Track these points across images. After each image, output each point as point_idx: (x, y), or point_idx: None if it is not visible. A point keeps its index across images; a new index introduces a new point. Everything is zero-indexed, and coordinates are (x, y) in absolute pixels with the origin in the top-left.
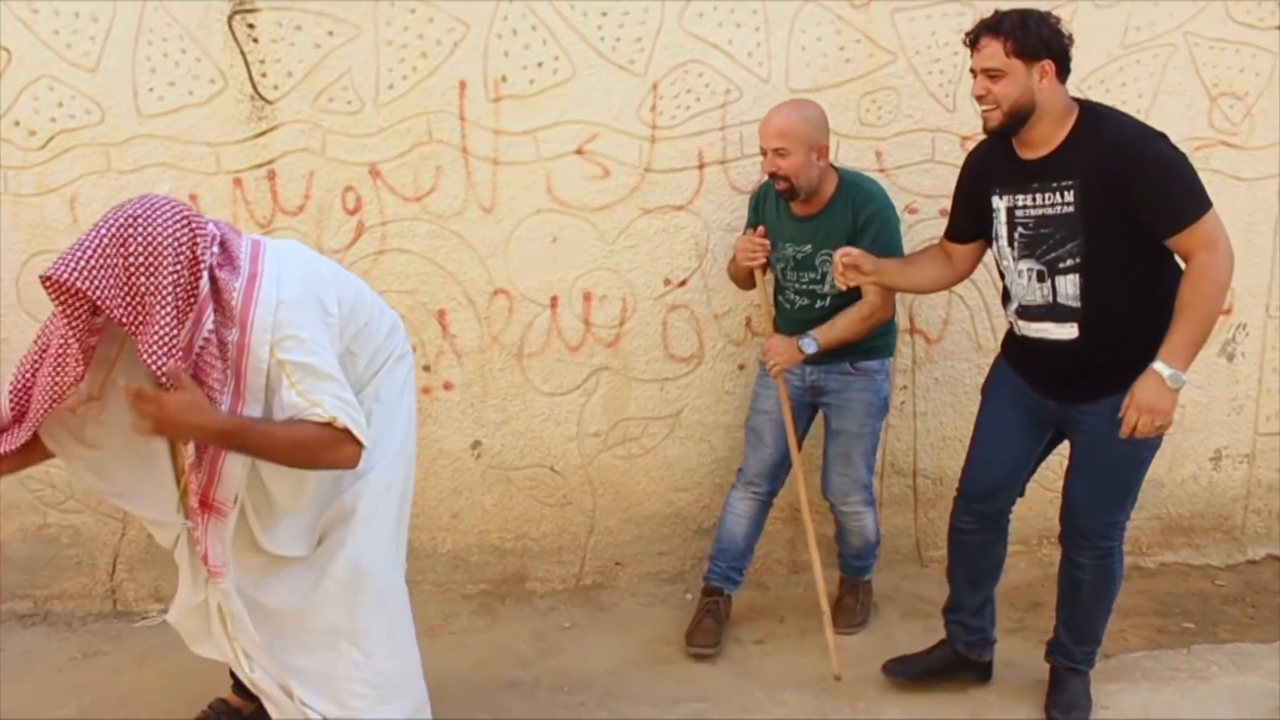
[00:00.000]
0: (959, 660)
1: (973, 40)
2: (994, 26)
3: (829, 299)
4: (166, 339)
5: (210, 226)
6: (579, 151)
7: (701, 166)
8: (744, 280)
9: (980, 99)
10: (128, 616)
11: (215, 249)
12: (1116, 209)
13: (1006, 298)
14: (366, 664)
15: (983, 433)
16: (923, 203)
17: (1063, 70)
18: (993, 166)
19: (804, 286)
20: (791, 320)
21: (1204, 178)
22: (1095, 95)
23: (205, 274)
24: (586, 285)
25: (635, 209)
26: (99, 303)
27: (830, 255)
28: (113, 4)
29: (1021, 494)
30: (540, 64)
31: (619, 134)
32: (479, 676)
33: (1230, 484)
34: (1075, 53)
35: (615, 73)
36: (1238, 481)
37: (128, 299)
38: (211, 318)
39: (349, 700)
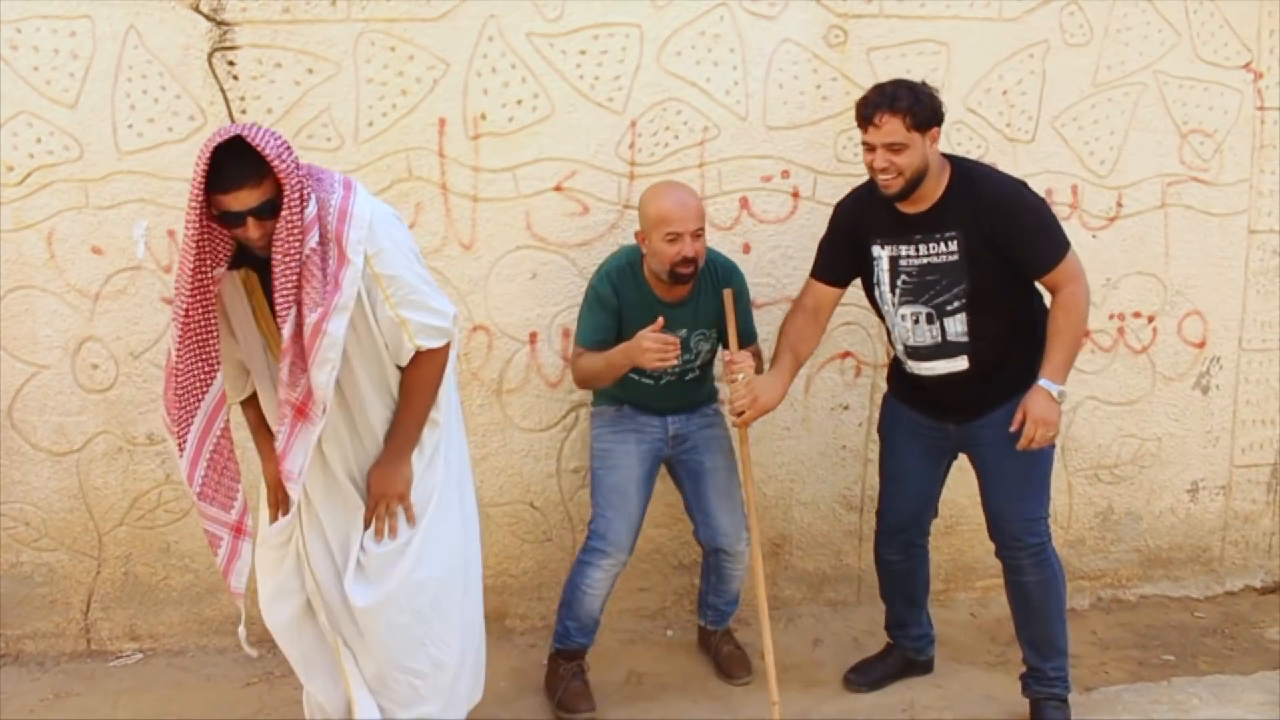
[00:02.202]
0: (910, 663)
1: (866, 117)
2: (891, 103)
3: (698, 370)
4: (295, 245)
5: None
6: (558, 188)
7: None
8: (609, 381)
9: (881, 171)
10: (102, 656)
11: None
12: (996, 254)
13: (893, 341)
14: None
15: (891, 470)
16: None
17: (939, 134)
18: (871, 217)
19: (677, 366)
20: (657, 394)
21: (1177, 213)
22: (1068, 133)
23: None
24: (566, 321)
25: (614, 246)
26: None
27: (705, 334)
28: (92, 41)
29: (935, 515)
30: (520, 101)
31: (598, 171)
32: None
33: (1207, 516)
34: (1048, 91)
35: (594, 110)
36: (1215, 513)
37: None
38: (316, 234)
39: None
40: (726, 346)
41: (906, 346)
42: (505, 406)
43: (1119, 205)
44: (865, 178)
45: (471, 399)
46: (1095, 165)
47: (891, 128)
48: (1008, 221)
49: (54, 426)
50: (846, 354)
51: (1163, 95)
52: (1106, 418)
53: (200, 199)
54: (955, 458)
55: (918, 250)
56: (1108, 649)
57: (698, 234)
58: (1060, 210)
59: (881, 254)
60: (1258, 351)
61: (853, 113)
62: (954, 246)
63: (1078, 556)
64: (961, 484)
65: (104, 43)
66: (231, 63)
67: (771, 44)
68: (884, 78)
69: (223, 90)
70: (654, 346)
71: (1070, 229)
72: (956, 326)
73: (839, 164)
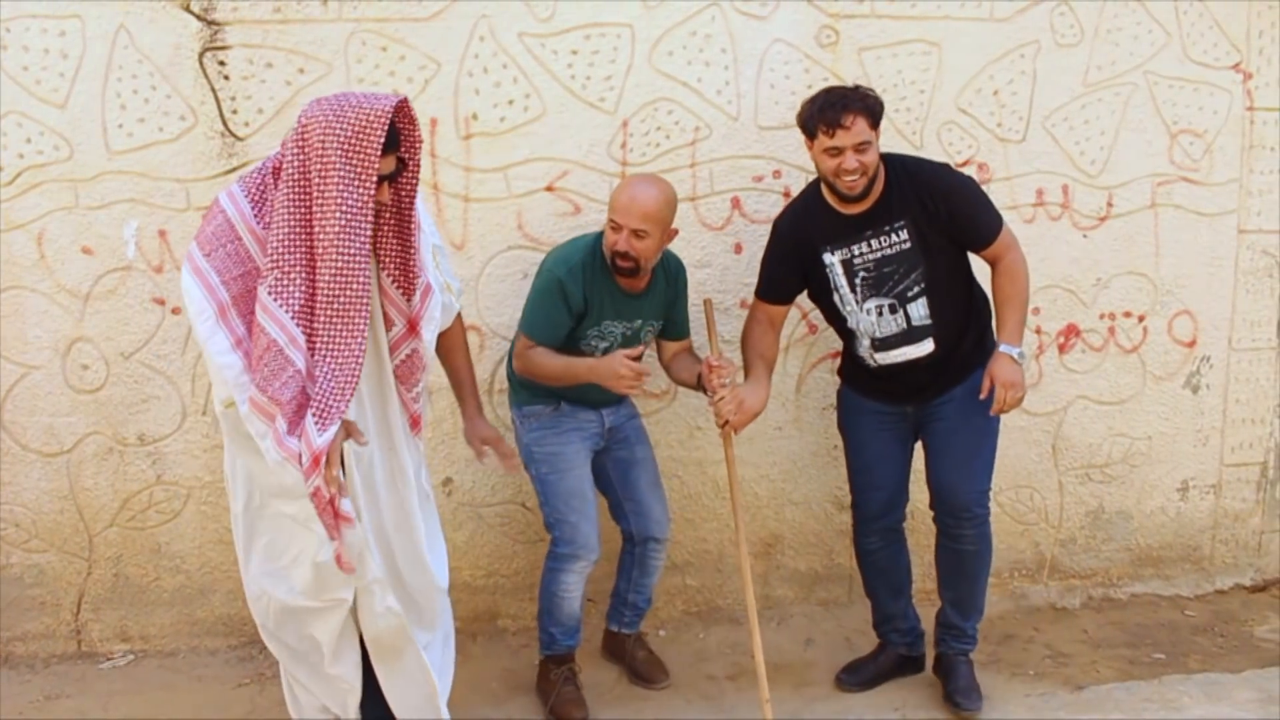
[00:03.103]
0: (903, 661)
1: (834, 120)
2: (855, 104)
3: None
4: (412, 209)
5: None
6: (550, 188)
7: None
8: (558, 385)
9: (850, 172)
10: (93, 658)
11: None
12: (943, 235)
13: (853, 337)
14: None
15: (861, 461)
16: None
17: None
18: (817, 226)
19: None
20: (596, 387)
21: (1167, 213)
22: (1059, 133)
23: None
24: None
25: None
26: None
27: (654, 325)
28: (82, 40)
29: (908, 500)
30: (511, 101)
31: (590, 171)
32: (451, 715)
33: (1198, 515)
34: (1039, 91)
35: (586, 110)
36: (1205, 512)
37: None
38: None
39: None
40: (685, 350)
41: (874, 339)
42: (497, 407)
43: (1109, 205)
44: None
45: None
46: (1086, 165)
47: (860, 127)
48: (949, 200)
49: (44, 427)
50: (837, 354)
51: (1153, 95)
52: (1097, 417)
53: (375, 160)
54: (915, 440)
55: (870, 246)
56: (1099, 647)
57: (639, 234)
58: (1051, 210)
59: (833, 259)
60: (1247, 351)
61: None
62: (905, 235)
63: (1069, 555)
64: None
65: (94, 42)
66: (222, 62)
67: (763, 44)
68: (875, 78)
69: (213, 90)
70: (629, 375)
71: (1061, 229)
72: (919, 311)
73: None
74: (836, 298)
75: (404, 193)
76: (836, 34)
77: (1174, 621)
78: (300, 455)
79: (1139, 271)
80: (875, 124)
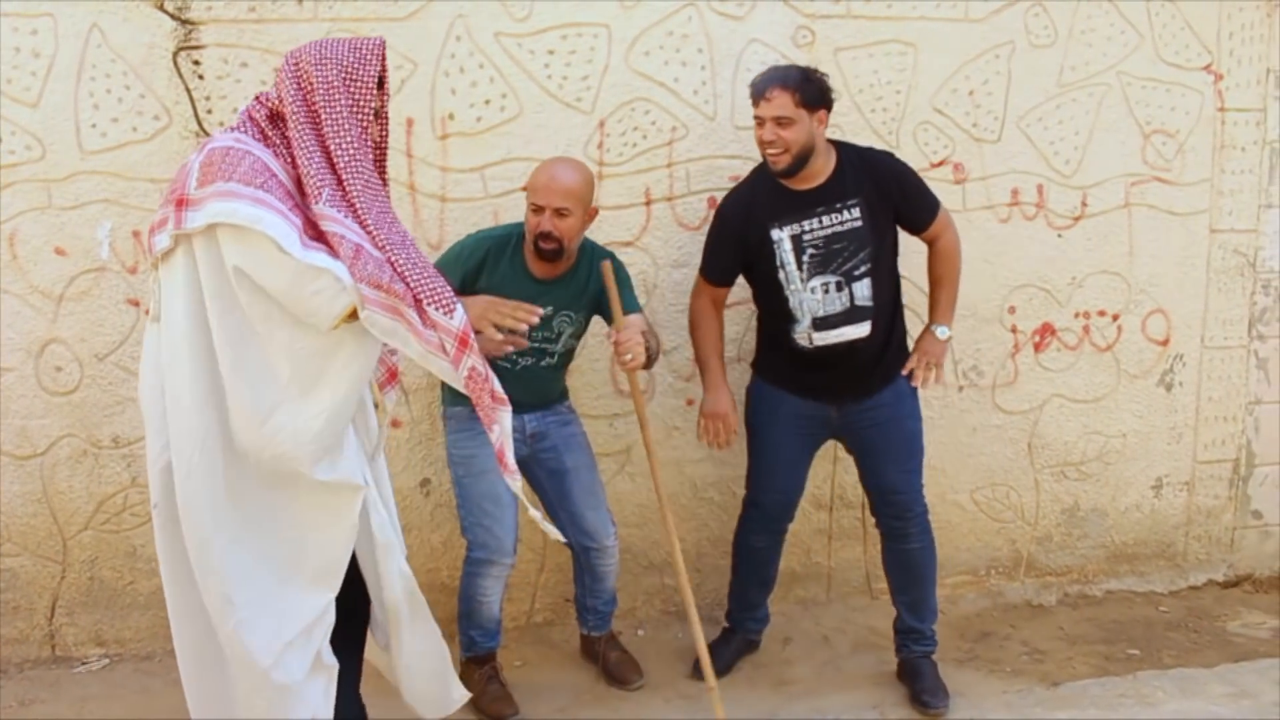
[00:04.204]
0: (749, 644)
1: (758, 91)
2: (781, 80)
3: (557, 356)
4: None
5: None
6: (526, 188)
7: (649, 203)
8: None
9: (770, 144)
10: (67, 662)
11: None
12: (890, 215)
13: (791, 320)
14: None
15: (769, 461)
16: None
17: (828, 118)
18: (764, 204)
19: (536, 344)
20: (513, 380)
21: (1140, 213)
22: (1034, 133)
23: None
24: None
25: None
26: None
27: (571, 316)
28: (54, 39)
29: (799, 501)
30: (488, 101)
31: None
32: (428, 716)
33: (1172, 511)
34: (1014, 91)
35: (562, 110)
36: (1178, 509)
37: None
38: None
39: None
40: (610, 323)
41: (815, 318)
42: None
43: (1084, 205)
44: None
45: (437, 398)
46: (1060, 165)
47: (781, 102)
48: (899, 181)
49: (17, 430)
50: None
51: (1126, 96)
52: (1072, 415)
53: (373, 85)
54: (821, 445)
55: (821, 222)
56: (1074, 644)
57: (561, 213)
58: (1026, 209)
59: (782, 235)
60: (1219, 349)
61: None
62: (857, 213)
63: (1045, 553)
64: (930, 482)
65: (66, 41)
66: (197, 62)
67: (739, 44)
68: (852, 78)
69: (188, 90)
70: (507, 309)
71: (1036, 228)
72: (863, 291)
73: None
74: (782, 275)
75: (382, 139)
76: (813, 34)
77: (1148, 617)
78: (442, 343)
79: (1113, 271)
80: (805, 104)
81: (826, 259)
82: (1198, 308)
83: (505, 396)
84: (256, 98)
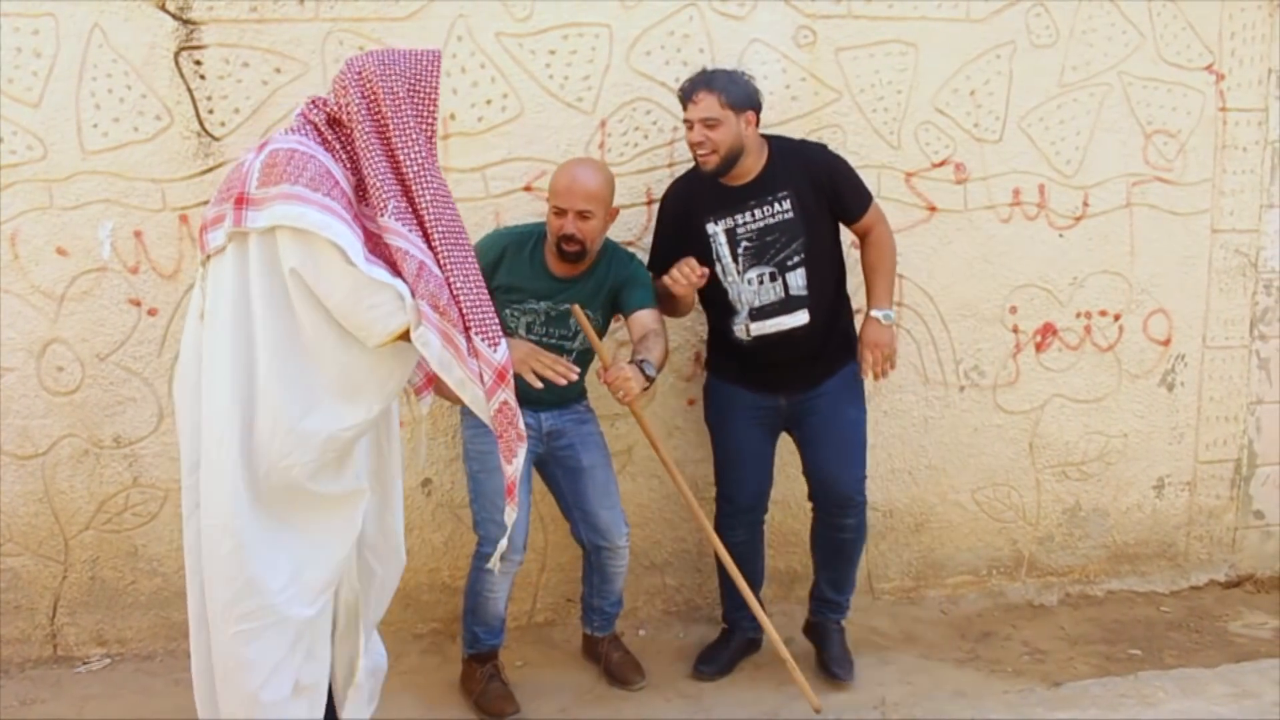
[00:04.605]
0: (750, 644)
1: (686, 94)
2: (707, 83)
3: (575, 354)
4: None
5: None
6: (528, 188)
7: (650, 203)
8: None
9: (699, 145)
10: (68, 662)
11: None
12: (824, 205)
13: (731, 312)
14: None
15: (733, 455)
16: None
17: (757, 118)
18: (701, 198)
19: (553, 341)
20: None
21: (1141, 213)
22: (1035, 133)
23: None
24: None
25: None
26: None
27: (590, 315)
28: (56, 39)
29: (770, 490)
30: (489, 101)
31: None
32: (430, 716)
33: (1173, 511)
34: (1015, 91)
35: (564, 110)
36: (1180, 509)
37: None
38: None
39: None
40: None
41: (751, 309)
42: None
43: (1085, 205)
44: None
45: (442, 400)
46: (1061, 165)
47: (707, 104)
48: (831, 172)
49: (18, 430)
50: None
51: (1127, 96)
52: (1074, 415)
53: (436, 95)
54: (779, 434)
55: (754, 215)
56: (1075, 644)
57: (584, 215)
58: (1028, 209)
59: (717, 229)
60: (1221, 349)
61: (823, 113)
62: (788, 205)
63: (1046, 553)
64: (931, 482)
65: (68, 41)
66: (198, 62)
67: (740, 44)
68: (853, 78)
69: (189, 90)
70: (548, 361)
71: (1037, 228)
72: (798, 281)
73: None
74: (719, 268)
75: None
76: (814, 34)
77: (1150, 618)
78: (480, 373)
79: (1114, 271)
80: (731, 105)
81: (760, 250)
82: (1199, 308)
83: (525, 433)
84: (312, 101)
